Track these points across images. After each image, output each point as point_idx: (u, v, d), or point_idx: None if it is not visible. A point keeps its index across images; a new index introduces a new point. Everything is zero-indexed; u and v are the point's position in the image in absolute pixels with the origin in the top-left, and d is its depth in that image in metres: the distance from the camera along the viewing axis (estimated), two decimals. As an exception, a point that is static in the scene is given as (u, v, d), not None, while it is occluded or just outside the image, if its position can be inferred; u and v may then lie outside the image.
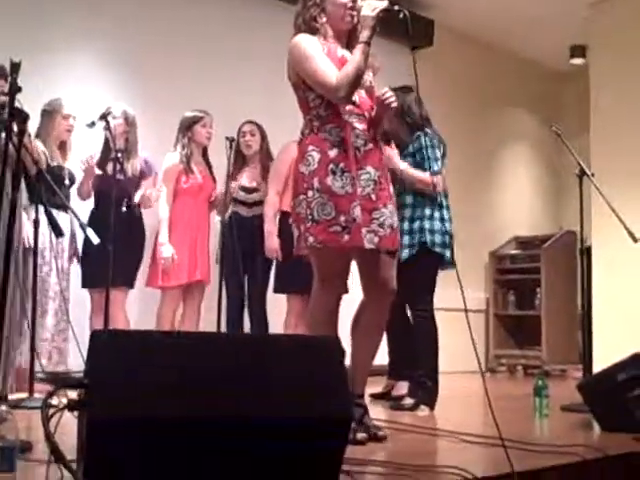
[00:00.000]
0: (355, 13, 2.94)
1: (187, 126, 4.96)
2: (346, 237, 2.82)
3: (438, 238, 4.08)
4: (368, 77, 3.05)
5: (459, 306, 2.82)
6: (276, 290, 4.94)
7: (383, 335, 3.11)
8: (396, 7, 2.93)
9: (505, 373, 7.68)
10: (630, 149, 6.57)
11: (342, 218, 2.82)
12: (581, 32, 7.30)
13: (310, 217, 2.83)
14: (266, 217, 4.78)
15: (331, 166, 2.84)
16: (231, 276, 4.80)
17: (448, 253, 4.09)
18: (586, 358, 4.29)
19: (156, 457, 1.74)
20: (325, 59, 2.88)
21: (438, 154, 4.15)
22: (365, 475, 2.26)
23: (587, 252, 6.82)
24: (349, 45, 3.01)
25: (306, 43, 2.91)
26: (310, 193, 2.84)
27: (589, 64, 7.22)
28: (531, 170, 8.79)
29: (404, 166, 4.12)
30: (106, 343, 1.81)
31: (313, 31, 2.96)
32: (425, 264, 4.08)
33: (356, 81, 2.86)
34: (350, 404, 2.05)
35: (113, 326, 4.44)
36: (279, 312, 4.94)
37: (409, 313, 4.24)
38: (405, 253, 4.03)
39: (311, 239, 2.84)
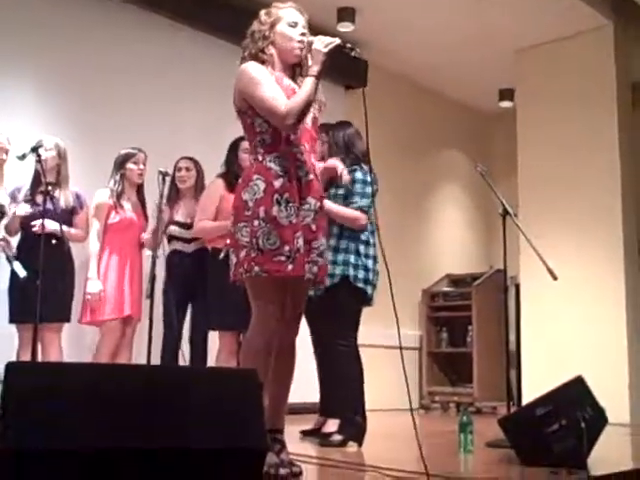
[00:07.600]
0: (304, 46, 2.98)
1: (120, 163, 4.97)
2: (290, 267, 2.85)
3: (361, 274, 4.08)
4: (313, 109, 3.05)
5: (393, 343, 2.86)
6: (209, 327, 4.90)
7: (295, 362, 3.08)
8: (349, 45, 2.96)
9: (438, 410, 7.74)
10: (555, 191, 6.78)
11: (286, 248, 2.84)
12: (509, 76, 7.55)
13: (256, 246, 2.84)
14: (208, 226, 4.66)
15: (276, 196, 2.87)
16: (169, 311, 4.75)
17: (370, 290, 4.12)
18: (510, 394, 4.37)
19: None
20: (274, 86, 2.90)
21: (368, 191, 4.12)
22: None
23: (516, 289, 7.00)
24: (295, 78, 3.04)
25: (255, 69, 2.93)
26: (255, 222, 2.85)
27: (516, 107, 7.45)
28: (462, 209, 8.96)
29: (325, 204, 4.13)
30: (20, 374, 1.79)
31: (261, 62, 2.98)
32: (347, 298, 4.06)
33: (305, 110, 2.87)
34: (265, 436, 2.06)
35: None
36: (210, 349, 4.90)
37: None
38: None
39: (257, 268, 2.84)
